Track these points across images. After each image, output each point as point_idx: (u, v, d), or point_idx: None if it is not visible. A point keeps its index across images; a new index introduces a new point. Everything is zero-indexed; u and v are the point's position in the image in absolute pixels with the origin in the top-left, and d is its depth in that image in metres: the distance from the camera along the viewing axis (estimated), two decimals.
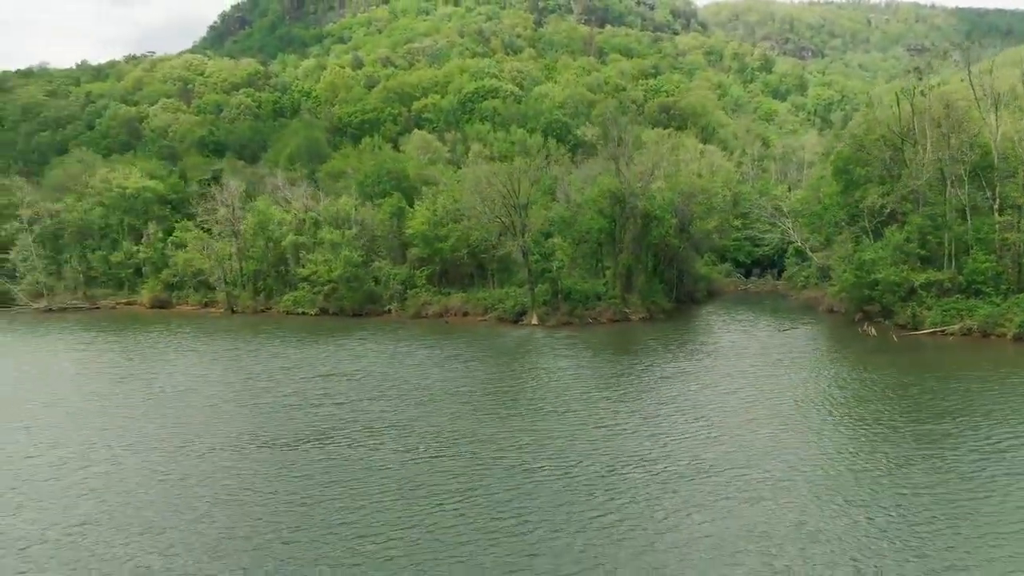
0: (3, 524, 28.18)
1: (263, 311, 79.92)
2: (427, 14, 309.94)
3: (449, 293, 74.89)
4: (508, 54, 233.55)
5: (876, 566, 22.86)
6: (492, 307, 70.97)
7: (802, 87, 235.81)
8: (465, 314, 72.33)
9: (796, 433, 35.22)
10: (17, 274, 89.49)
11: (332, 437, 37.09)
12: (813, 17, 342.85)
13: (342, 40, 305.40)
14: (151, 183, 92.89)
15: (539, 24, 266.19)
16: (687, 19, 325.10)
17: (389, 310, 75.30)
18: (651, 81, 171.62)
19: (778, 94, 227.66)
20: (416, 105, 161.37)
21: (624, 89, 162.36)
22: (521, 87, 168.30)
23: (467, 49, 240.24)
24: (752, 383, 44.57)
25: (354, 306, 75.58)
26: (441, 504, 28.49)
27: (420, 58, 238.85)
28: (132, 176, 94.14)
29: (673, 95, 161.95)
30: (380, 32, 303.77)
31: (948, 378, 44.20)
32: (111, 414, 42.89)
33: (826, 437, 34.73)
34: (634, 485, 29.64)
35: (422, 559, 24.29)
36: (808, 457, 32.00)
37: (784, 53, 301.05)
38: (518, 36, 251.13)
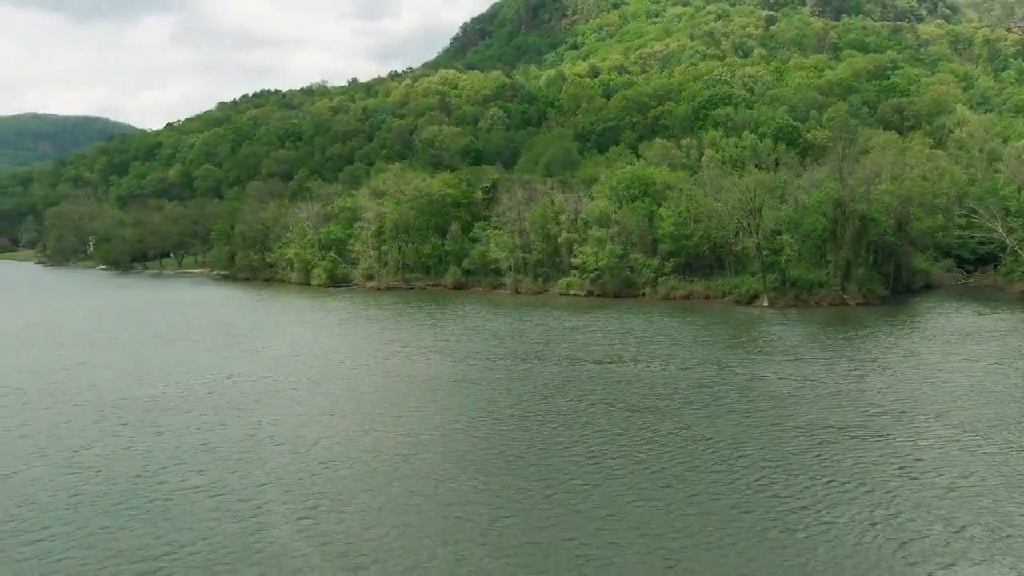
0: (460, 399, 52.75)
1: (541, 292, 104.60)
2: (657, 16, 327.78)
3: (693, 280, 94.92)
4: (739, 56, 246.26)
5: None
6: (729, 292, 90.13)
7: None
8: (707, 297, 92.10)
9: (940, 369, 52.00)
10: (356, 261, 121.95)
11: (623, 359, 59.09)
12: None
13: (575, 47, 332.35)
14: (450, 190, 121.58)
15: (770, 22, 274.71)
16: (934, 3, 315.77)
17: (643, 293, 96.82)
18: (885, 81, 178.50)
19: None
20: (651, 113, 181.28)
21: (856, 90, 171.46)
22: (752, 92, 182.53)
23: (697, 52, 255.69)
24: (932, 343, 60.79)
25: (614, 289, 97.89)
26: (694, 392, 49.08)
27: (652, 63, 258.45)
28: (434, 184, 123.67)
29: (908, 94, 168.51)
30: (611, 37, 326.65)
31: None
32: (553, 348, 67.90)
33: (956, 373, 51.22)
34: (819, 392, 48.48)
35: (703, 414, 45.01)
36: (945, 380, 48.88)
37: None
38: (748, 36, 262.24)
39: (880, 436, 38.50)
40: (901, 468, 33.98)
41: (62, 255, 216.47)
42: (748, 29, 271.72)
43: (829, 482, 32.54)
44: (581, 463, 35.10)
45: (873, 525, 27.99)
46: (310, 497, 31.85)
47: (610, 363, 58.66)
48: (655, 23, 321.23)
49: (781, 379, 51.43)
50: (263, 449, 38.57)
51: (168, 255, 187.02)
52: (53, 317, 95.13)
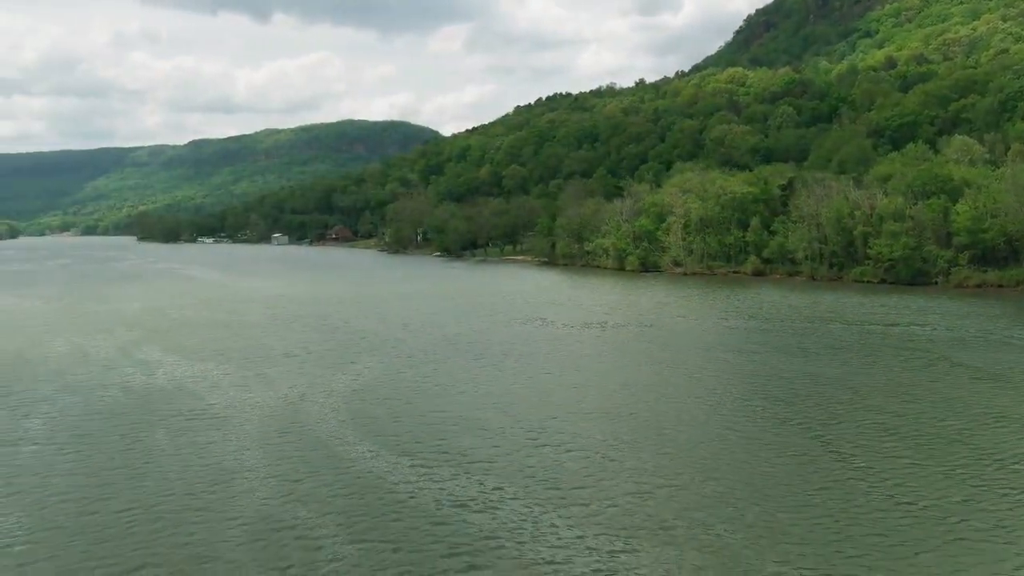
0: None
1: (835, 280, 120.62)
2: None
3: (986, 270, 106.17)
4: None
5: None
6: (1022, 281, 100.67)
7: None
8: (999, 286, 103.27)
9: None
10: (665, 250, 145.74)
11: (899, 324, 75.48)
12: None
13: (868, 35, 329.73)
14: (750, 188, 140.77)
15: None
16: None
17: (935, 282, 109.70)
18: None
19: None
20: (952, 106, 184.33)
21: None
22: None
23: (1009, 35, 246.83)
24: None
25: (907, 278, 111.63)
26: (952, 342, 65.16)
27: (955, 50, 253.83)
28: (735, 183, 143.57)
29: None
30: (910, 22, 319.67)
31: None
32: (792, 309, 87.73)
33: None
34: None
35: (954, 351, 61.68)
36: None
37: None
38: None
39: None
40: None
41: (399, 244, 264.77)
42: None
43: None
44: (863, 369, 54.69)
45: None
46: (697, 370, 54.76)
47: (889, 325, 75.92)
48: (962, 3, 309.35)
49: None
50: (662, 345, 62.73)
51: (488, 244, 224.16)
52: (471, 286, 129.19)
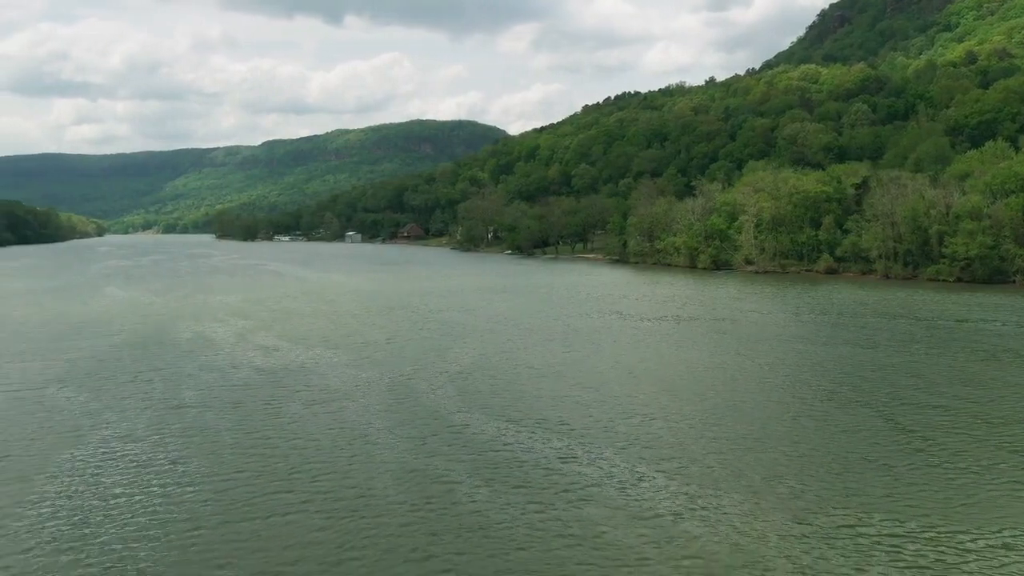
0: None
1: (910, 278, 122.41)
2: None
3: None
4: None
5: None
6: None
7: None
8: None
9: None
10: (737, 247, 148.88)
11: (969, 320, 78.13)
12: None
13: (948, 28, 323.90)
14: (822, 187, 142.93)
15: None
16: None
17: (1013, 280, 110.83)
18: None
19: None
20: None
21: None
22: None
23: None
24: None
25: (984, 276, 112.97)
26: (1013, 334, 67.91)
27: None
28: (808, 182, 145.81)
29: None
30: (993, 14, 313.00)
31: None
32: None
33: None
34: None
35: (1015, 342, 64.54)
36: None
37: None
38: None
39: None
40: None
41: (471, 242, 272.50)
42: None
43: None
44: (927, 359, 58.38)
45: None
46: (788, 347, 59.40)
47: (959, 321, 78.77)
48: None
49: None
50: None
51: (559, 242, 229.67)
52: (547, 282, 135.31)
